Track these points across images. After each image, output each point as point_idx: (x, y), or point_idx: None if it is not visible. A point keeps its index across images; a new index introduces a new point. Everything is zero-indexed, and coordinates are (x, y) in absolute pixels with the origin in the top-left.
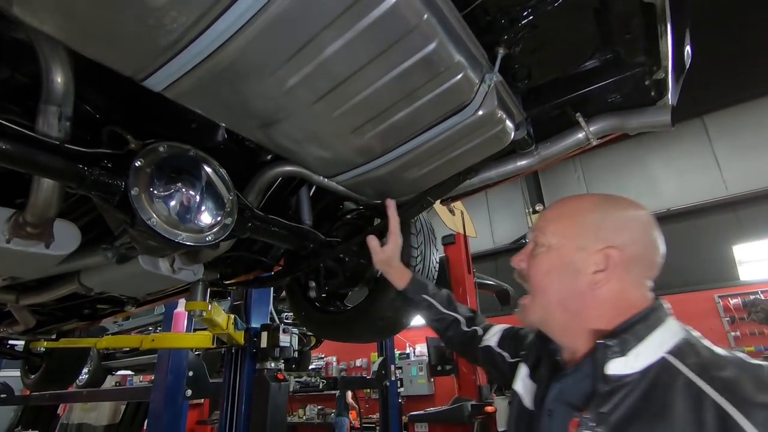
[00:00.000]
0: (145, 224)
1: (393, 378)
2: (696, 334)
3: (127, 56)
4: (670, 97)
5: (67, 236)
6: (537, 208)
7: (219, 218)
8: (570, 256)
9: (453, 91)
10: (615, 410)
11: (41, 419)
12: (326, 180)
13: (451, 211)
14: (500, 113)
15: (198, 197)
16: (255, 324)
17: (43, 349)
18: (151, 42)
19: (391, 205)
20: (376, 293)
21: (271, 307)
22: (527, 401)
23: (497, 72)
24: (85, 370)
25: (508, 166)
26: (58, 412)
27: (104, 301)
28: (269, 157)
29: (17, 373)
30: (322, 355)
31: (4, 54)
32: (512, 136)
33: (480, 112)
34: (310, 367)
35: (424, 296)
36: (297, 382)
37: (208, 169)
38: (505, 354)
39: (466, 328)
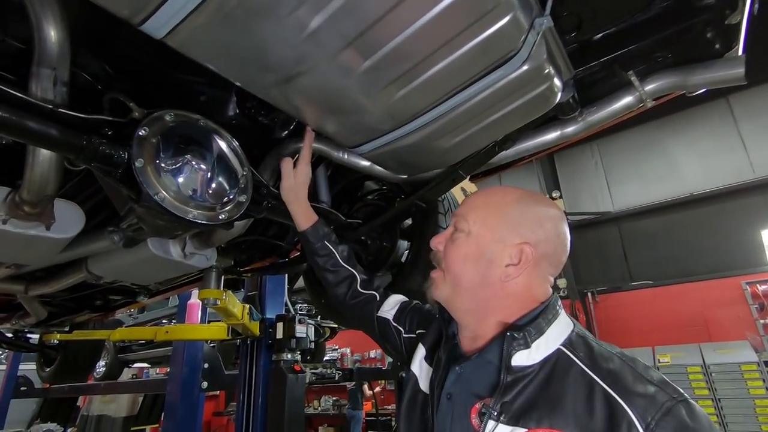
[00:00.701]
0: (152, 200)
1: None
2: (580, 326)
3: None
4: (742, 47)
5: (69, 217)
6: (553, 195)
7: (232, 195)
8: (487, 246)
9: (499, 37)
10: (516, 399)
11: (60, 412)
12: (345, 156)
13: (463, 190)
14: (549, 68)
15: (209, 171)
16: (270, 315)
17: (56, 341)
18: None
19: (308, 132)
20: (400, 279)
21: (286, 297)
22: (422, 383)
23: (549, 16)
24: (103, 363)
25: (548, 135)
26: (78, 403)
27: (116, 292)
28: (284, 133)
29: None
30: (336, 347)
31: None
32: (558, 98)
33: (526, 66)
34: (324, 359)
35: (326, 243)
36: (312, 373)
37: (220, 142)
38: (401, 328)
39: (362, 289)
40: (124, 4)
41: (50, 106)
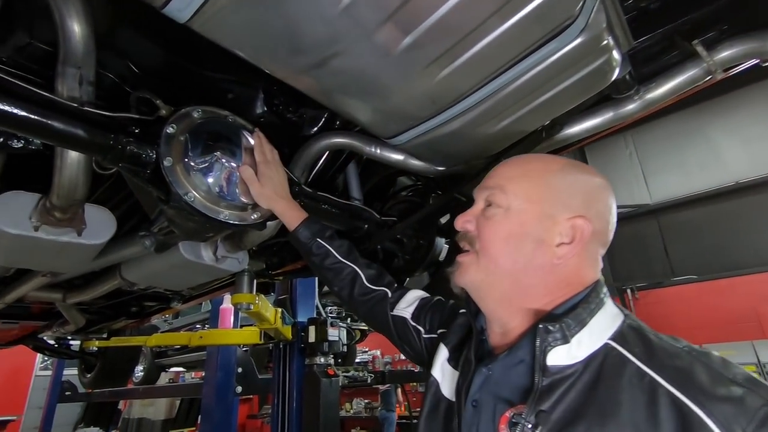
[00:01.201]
0: (182, 200)
1: None
2: (633, 317)
3: None
4: None
5: (100, 223)
6: None
7: None
8: (534, 223)
9: (554, 3)
10: (556, 407)
11: (103, 415)
12: (378, 150)
13: None
14: (607, 39)
15: (239, 169)
16: (302, 318)
17: (95, 348)
18: None
19: (256, 132)
20: (438, 279)
21: (317, 300)
22: (446, 389)
23: None
24: (141, 367)
25: (601, 117)
26: (119, 407)
27: (150, 298)
28: (314, 130)
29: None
30: (366, 349)
31: (19, 17)
32: (617, 73)
33: (583, 37)
34: (355, 361)
35: (320, 240)
36: (345, 376)
37: (249, 138)
38: (421, 328)
39: (371, 285)
40: None
41: (75, 105)
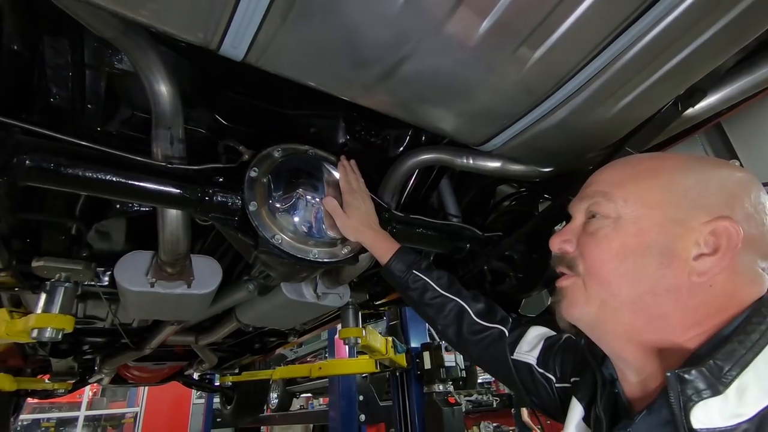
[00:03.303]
0: (270, 244)
1: None
2: None
3: (184, 17)
4: None
5: (207, 272)
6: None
7: None
8: (655, 233)
9: None
10: None
11: None
12: (470, 160)
13: None
14: None
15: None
16: (414, 344)
17: (230, 383)
18: None
19: (341, 160)
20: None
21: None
22: None
23: None
24: (275, 395)
25: (759, 72)
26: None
27: (269, 334)
28: (400, 150)
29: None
30: None
31: (123, 93)
32: None
33: None
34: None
35: (416, 272)
36: (467, 401)
37: (332, 170)
38: (551, 376)
39: (482, 321)
40: (197, 28)
41: (164, 164)
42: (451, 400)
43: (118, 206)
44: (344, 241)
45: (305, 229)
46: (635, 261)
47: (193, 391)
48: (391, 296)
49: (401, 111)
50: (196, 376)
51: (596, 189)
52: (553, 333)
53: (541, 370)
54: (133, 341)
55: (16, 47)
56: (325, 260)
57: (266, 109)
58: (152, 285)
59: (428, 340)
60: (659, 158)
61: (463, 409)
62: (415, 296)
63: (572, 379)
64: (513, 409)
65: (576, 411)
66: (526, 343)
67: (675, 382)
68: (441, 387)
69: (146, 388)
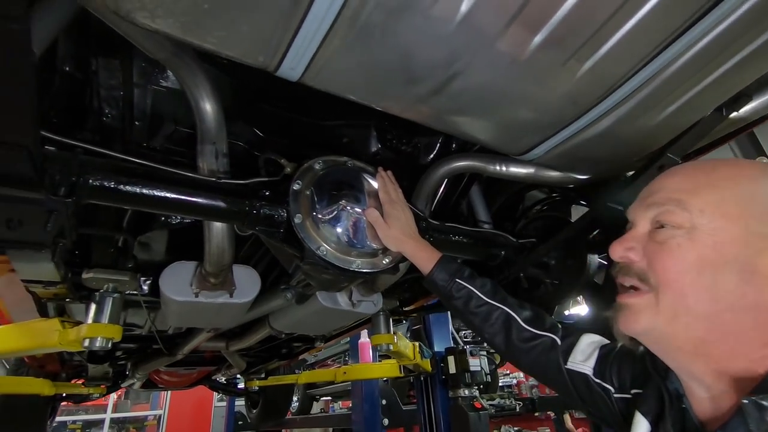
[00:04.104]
0: (315, 255)
1: None
2: None
3: (247, 42)
4: None
5: (247, 282)
6: None
7: None
8: (735, 247)
9: None
10: None
11: None
12: (504, 167)
13: None
14: None
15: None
16: (438, 348)
17: (257, 387)
18: (265, 10)
19: (379, 171)
20: (599, 302)
21: (451, 327)
22: None
23: None
24: (295, 398)
25: None
26: None
27: (297, 340)
28: (430, 157)
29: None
30: (507, 372)
31: (166, 109)
32: None
33: None
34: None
35: (459, 281)
36: (490, 404)
37: (370, 180)
38: (609, 386)
39: (531, 328)
40: (258, 52)
41: (214, 179)
42: (477, 404)
43: (162, 219)
44: (385, 251)
45: (347, 240)
46: (714, 275)
47: (215, 394)
48: (419, 302)
49: (443, 123)
50: (221, 380)
51: (668, 196)
52: (607, 341)
53: (598, 381)
54: (166, 347)
55: (68, 69)
56: (367, 270)
57: (300, 121)
58: (196, 295)
59: (452, 345)
60: (734, 165)
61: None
62: (460, 305)
63: (633, 391)
64: (554, 414)
65: (641, 427)
66: (579, 352)
67: (754, 410)
68: (466, 392)
69: (169, 391)
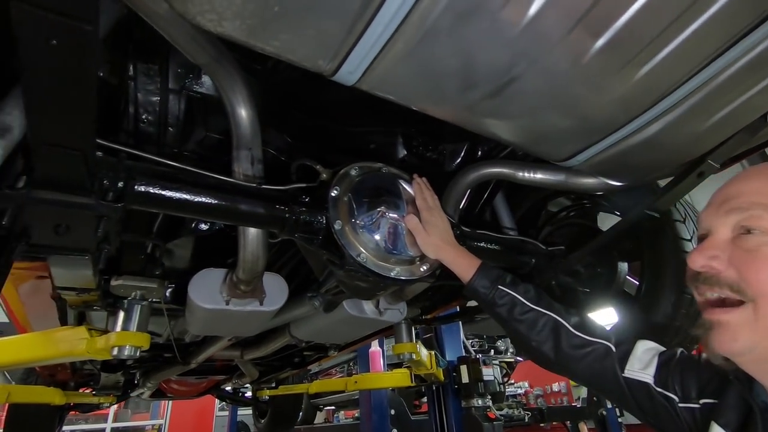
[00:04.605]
0: (355, 261)
1: (610, 404)
2: None
3: (311, 46)
4: None
5: (276, 289)
6: None
7: None
8: None
9: None
10: None
11: None
12: (533, 174)
13: None
14: None
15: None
16: (449, 356)
17: (267, 397)
18: (335, 13)
19: (415, 179)
20: (631, 312)
21: (462, 336)
22: None
23: None
24: None
25: None
26: None
27: (311, 348)
28: (455, 164)
29: (248, 411)
30: (512, 381)
31: (198, 115)
32: None
33: None
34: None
35: (501, 288)
36: (499, 415)
37: (406, 186)
38: (672, 396)
39: (582, 335)
40: (319, 56)
41: (255, 185)
42: (491, 415)
43: (193, 225)
44: (422, 258)
45: (385, 247)
46: None
47: (216, 403)
48: (438, 311)
49: (488, 130)
50: (229, 389)
51: (751, 200)
52: (662, 348)
53: (659, 390)
54: (181, 356)
55: (102, 74)
56: (406, 278)
57: (329, 127)
58: (227, 302)
59: (463, 353)
60: None
61: None
62: (504, 312)
63: (702, 401)
64: (569, 423)
65: None
66: (636, 359)
67: None
68: (480, 401)
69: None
